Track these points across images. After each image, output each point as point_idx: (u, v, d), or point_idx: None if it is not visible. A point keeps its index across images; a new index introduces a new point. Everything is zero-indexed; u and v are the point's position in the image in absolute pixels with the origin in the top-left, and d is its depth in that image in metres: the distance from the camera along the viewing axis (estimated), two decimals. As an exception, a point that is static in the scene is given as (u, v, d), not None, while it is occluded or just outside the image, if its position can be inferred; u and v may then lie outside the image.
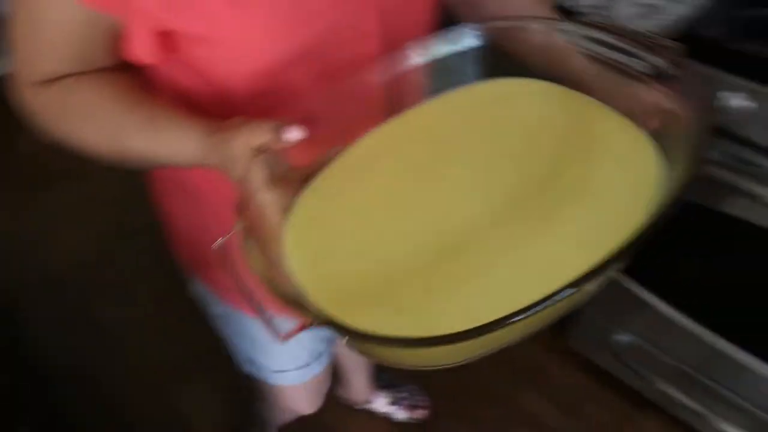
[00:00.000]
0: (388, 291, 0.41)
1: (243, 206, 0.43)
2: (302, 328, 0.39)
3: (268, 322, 0.40)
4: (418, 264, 0.43)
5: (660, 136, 0.45)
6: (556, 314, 0.39)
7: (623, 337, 1.16)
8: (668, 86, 0.44)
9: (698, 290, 1.04)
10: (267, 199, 0.44)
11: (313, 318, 0.38)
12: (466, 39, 0.52)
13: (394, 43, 0.53)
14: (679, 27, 0.81)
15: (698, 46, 0.79)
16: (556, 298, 0.33)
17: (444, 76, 0.53)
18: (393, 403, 1.24)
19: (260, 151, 0.43)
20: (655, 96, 0.45)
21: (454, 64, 0.53)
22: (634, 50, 0.46)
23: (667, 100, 0.44)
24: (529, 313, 0.33)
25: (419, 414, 1.25)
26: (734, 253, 0.96)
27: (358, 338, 0.37)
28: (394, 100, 0.53)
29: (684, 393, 1.15)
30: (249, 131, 0.43)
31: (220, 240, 0.42)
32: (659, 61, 0.44)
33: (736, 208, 0.86)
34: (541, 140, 0.49)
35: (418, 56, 0.52)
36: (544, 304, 0.33)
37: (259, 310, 0.40)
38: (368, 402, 1.25)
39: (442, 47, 0.52)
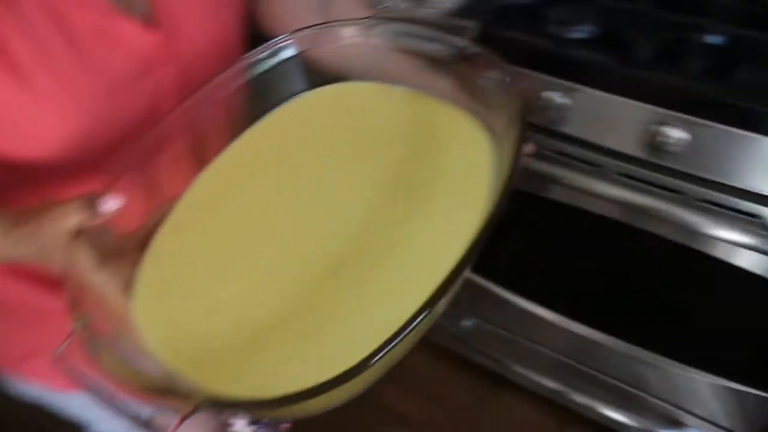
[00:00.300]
0: (260, 346, 0.38)
1: (76, 300, 0.37)
2: (185, 417, 0.33)
3: (146, 424, 0.33)
4: (283, 310, 0.39)
5: (486, 119, 0.46)
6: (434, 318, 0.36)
7: (468, 322, 1.19)
8: (476, 65, 0.45)
9: (530, 272, 1.08)
10: (101, 281, 0.38)
11: (196, 404, 0.32)
12: (280, 52, 0.50)
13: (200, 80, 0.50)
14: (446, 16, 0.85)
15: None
16: (426, 313, 0.32)
17: (265, 96, 0.51)
18: (254, 422, 1.22)
19: (77, 232, 0.38)
20: (470, 78, 0.46)
21: (272, 81, 0.50)
22: (439, 36, 0.47)
23: (481, 80, 0.45)
24: (410, 329, 0.31)
25: (282, 428, 1.23)
26: (558, 235, 1.01)
27: (251, 410, 0.34)
28: (212, 138, 0.49)
29: (534, 370, 1.20)
30: (57, 215, 0.38)
31: (59, 349, 0.35)
32: (463, 42, 0.45)
33: (545, 192, 0.91)
34: (378, 145, 0.48)
35: (227, 85, 0.48)
36: (421, 316, 0.31)
37: (131, 417, 0.34)
38: (229, 425, 1.22)
39: (257, 66, 0.50)
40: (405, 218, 0.42)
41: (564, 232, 0.98)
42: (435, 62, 0.48)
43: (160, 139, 0.46)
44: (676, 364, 1.00)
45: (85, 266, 0.38)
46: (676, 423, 1.11)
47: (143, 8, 0.47)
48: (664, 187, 0.78)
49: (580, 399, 1.17)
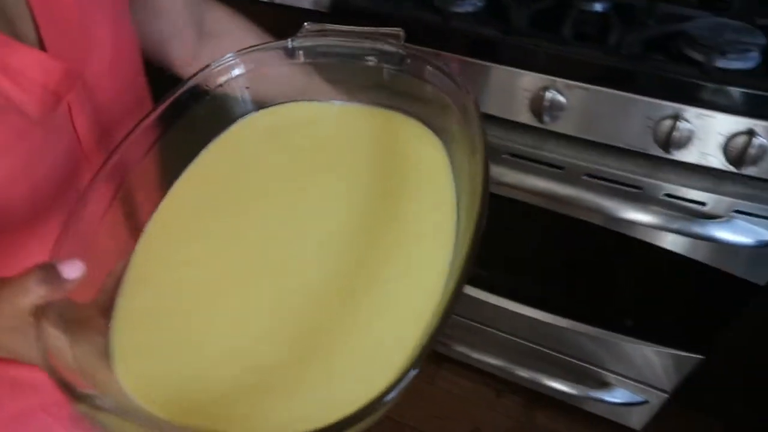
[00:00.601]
0: (261, 387, 0.35)
1: (70, 383, 0.31)
2: None
3: None
4: (277, 345, 0.36)
5: (431, 119, 0.46)
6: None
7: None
8: (412, 69, 0.45)
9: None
10: (80, 357, 0.33)
11: None
12: (222, 75, 0.48)
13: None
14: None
15: (352, 13, 0.83)
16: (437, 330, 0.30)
17: (202, 127, 0.48)
18: None
19: (41, 309, 0.33)
20: (407, 82, 0.46)
21: (209, 110, 0.47)
22: (369, 46, 0.46)
23: (419, 83, 0.45)
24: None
25: None
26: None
27: None
28: (155, 180, 0.46)
29: (476, 348, 1.22)
30: (14, 293, 0.33)
31: None
32: (394, 48, 0.45)
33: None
34: (335, 161, 0.46)
35: (161, 122, 0.44)
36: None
37: None
38: None
39: (185, 100, 0.46)
40: (384, 227, 0.40)
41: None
42: (370, 71, 0.47)
43: (97, 193, 0.40)
44: (609, 333, 1.05)
45: (62, 345, 0.32)
46: (605, 384, 1.14)
47: (32, 35, 0.42)
48: (554, 166, 0.81)
49: (522, 372, 1.20)
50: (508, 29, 0.77)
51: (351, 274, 0.38)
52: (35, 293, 0.32)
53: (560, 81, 0.75)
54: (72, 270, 0.34)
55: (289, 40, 0.47)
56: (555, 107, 0.76)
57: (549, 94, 0.76)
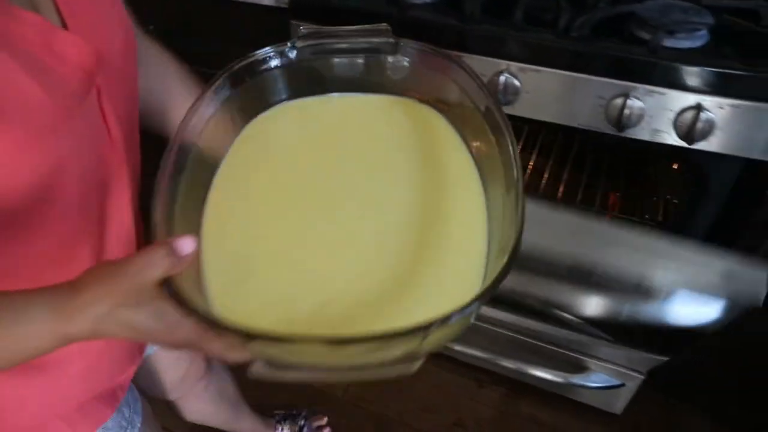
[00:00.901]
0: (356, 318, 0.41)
1: (238, 329, 0.35)
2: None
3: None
4: (353, 294, 0.42)
5: (432, 99, 0.52)
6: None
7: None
8: (413, 59, 0.51)
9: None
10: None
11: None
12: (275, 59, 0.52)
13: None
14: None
15: (310, 8, 0.85)
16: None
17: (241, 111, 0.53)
18: (299, 430, 1.21)
19: (162, 283, 0.36)
20: (407, 69, 0.52)
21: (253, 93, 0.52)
22: (366, 42, 0.51)
23: (417, 68, 0.51)
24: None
25: (326, 430, 1.24)
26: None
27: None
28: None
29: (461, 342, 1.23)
30: (142, 267, 0.35)
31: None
32: (384, 40, 0.51)
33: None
34: (367, 142, 0.52)
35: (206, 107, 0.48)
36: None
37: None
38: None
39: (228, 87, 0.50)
40: (431, 194, 0.48)
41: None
42: (368, 64, 0.53)
43: (166, 177, 0.43)
44: (586, 337, 1.08)
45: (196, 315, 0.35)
46: (583, 369, 1.16)
47: (57, 22, 0.44)
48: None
49: (502, 362, 1.21)
50: (462, 17, 0.79)
51: (407, 226, 0.45)
52: (162, 267, 0.36)
53: (514, 65, 0.77)
54: (187, 245, 0.37)
55: (288, 43, 0.51)
56: (510, 91, 0.78)
57: (503, 78, 0.77)
